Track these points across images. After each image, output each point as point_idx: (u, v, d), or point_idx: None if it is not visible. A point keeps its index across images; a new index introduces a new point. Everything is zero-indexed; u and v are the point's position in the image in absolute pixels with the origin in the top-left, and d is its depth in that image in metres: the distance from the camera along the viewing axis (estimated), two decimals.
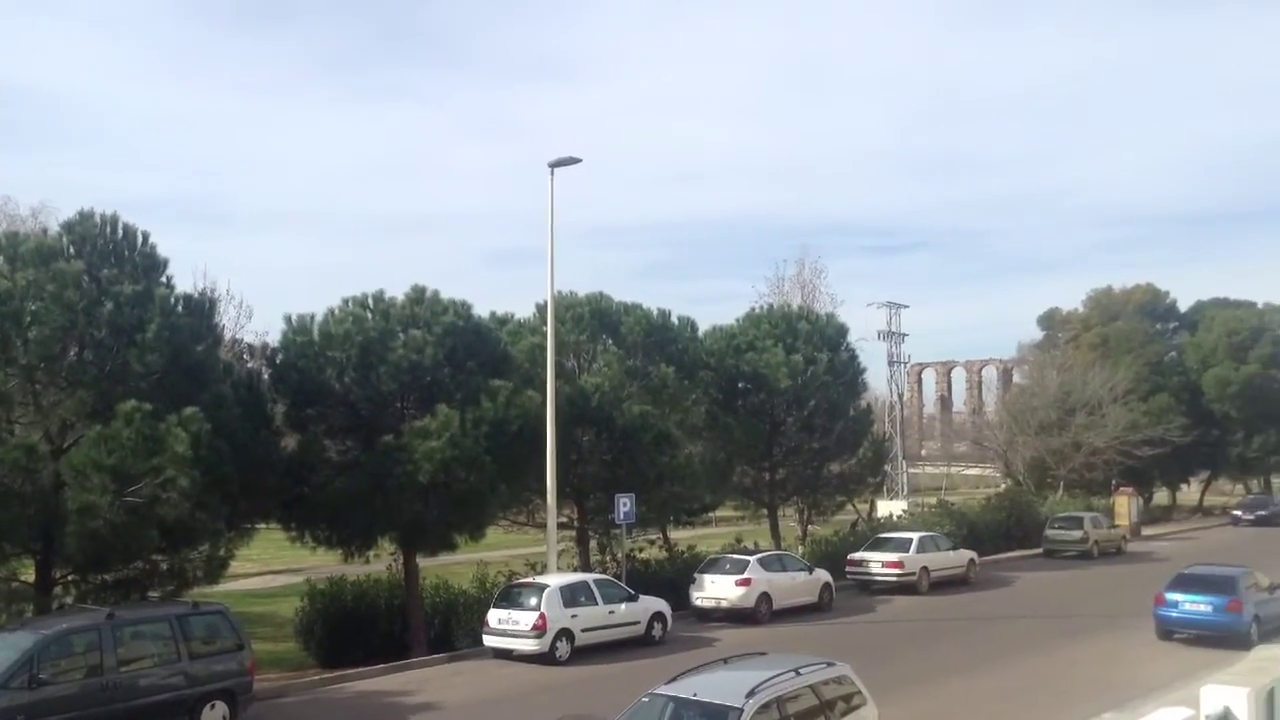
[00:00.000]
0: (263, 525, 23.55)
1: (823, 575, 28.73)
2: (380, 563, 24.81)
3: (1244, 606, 22.20)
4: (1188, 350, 62.46)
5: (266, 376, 23.40)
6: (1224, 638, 21.95)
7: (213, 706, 16.23)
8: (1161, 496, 64.43)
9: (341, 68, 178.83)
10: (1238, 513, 56.34)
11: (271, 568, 37.74)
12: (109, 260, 18.83)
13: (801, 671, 12.00)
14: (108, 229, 19.04)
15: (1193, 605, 22.59)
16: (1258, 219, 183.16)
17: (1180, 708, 10.55)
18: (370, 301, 23.33)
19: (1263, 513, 55.09)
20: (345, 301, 23.31)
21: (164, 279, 19.49)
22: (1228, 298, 66.77)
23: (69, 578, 18.95)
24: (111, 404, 17.43)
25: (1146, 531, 49.56)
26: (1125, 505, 48.72)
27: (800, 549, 33.86)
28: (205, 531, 18.80)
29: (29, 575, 18.66)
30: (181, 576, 19.55)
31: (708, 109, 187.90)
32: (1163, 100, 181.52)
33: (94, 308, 17.86)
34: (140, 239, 19.41)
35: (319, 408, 22.88)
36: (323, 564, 28.72)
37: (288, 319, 23.10)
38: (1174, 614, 22.88)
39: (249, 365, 23.68)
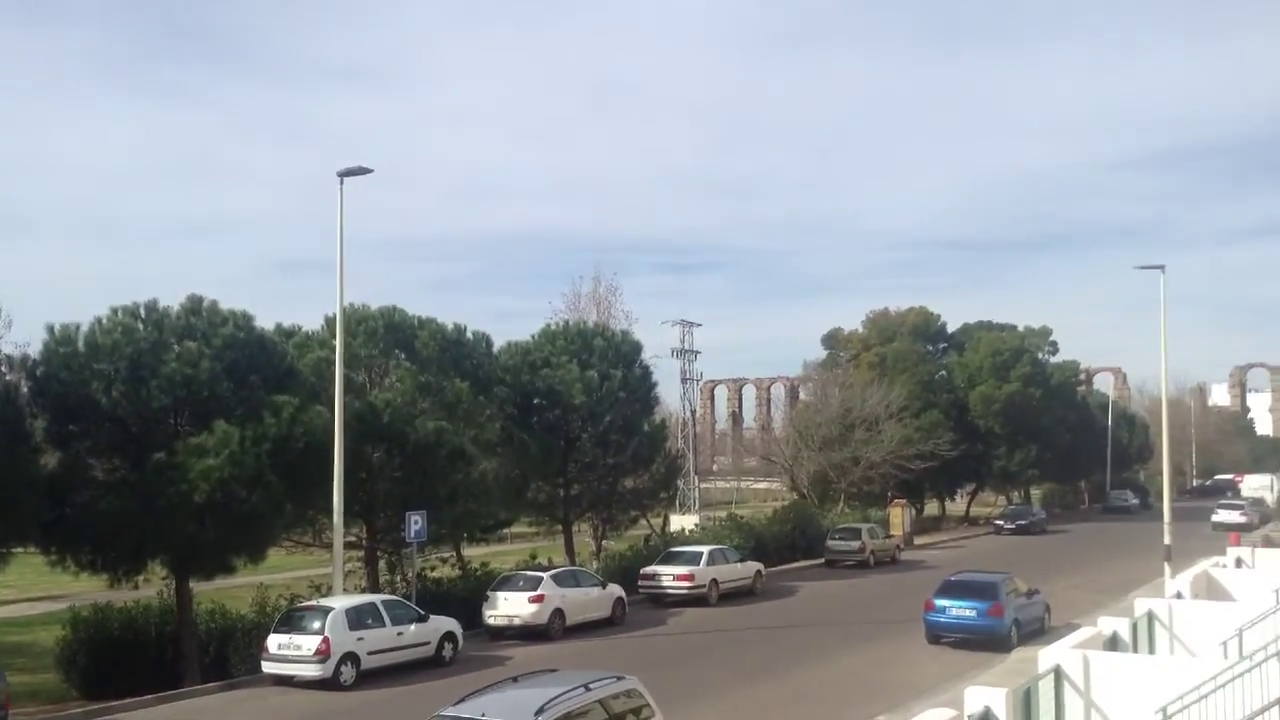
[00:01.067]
0: (20, 549, 21.92)
1: (616, 590, 28.97)
2: (151, 588, 23.49)
3: (1005, 611, 23.73)
4: (956, 370, 66.45)
5: (25, 390, 21.83)
6: (987, 640, 23.41)
7: None
8: (932, 507, 68.11)
9: (122, 67, 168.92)
10: (1000, 522, 60.21)
11: (30, 595, 35.31)
12: None
13: (591, 687, 12.04)
14: None
15: (959, 610, 23.96)
16: (1015, 248, 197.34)
17: (945, 709, 11.14)
18: (142, 311, 22.14)
19: (1022, 522, 59.10)
20: (115, 311, 22.04)
21: None
22: (992, 320, 71.42)
23: None
24: None
25: (918, 541, 52.31)
26: (899, 516, 51.26)
27: (594, 564, 34.06)
28: None
29: None
30: None
31: (504, 123, 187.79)
32: (931, 134, 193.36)
33: None
34: None
35: (84, 423, 21.58)
36: (87, 590, 26.92)
37: (50, 329, 21.70)
38: (942, 619, 24.21)
39: (6, 378, 21.99)
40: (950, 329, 70.93)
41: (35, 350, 22.84)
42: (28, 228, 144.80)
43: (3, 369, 26.12)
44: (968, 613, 23.79)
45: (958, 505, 71.95)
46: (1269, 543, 37.05)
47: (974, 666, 21.02)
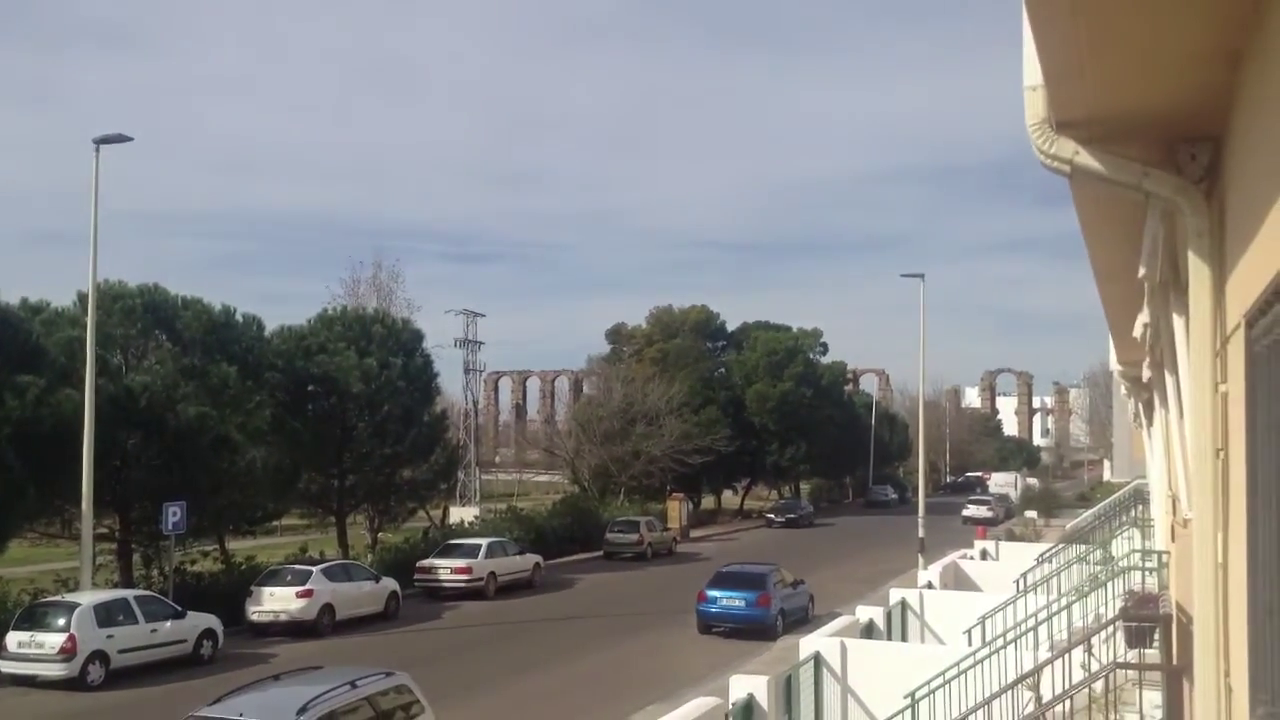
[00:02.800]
0: None
1: (390, 584, 28.32)
2: None
3: (772, 601, 24.62)
4: (734, 367, 68.46)
5: None
6: (755, 629, 24.22)
7: None
8: (709, 501, 69.90)
9: None
10: (771, 516, 62.41)
11: None
12: None
13: (358, 684, 11.72)
14: None
15: (729, 601, 24.70)
16: (789, 251, 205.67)
17: (711, 697, 11.41)
18: None
19: (792, 515, 61.47)
20: None
21: None
22: (768, 321, 73.85)
23: None
24: None
25: (695, 533, 53.52)
26: (677, 509, 52.30)
27: (369, 557, 33.22)
28: None
29: None
30: None
31: (278, 98, 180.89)
32: (708, 138, 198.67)
33: None
34: None
35: None
36: None
37: None
38: (713, 609, 24.88)
39: None
40: (730, 328, 72.96)
41: None
42: None
43: None
44: (737, 603, 24.54)
45: (733, 499, 74.14)
46: (1012, 536, 39.91)
47: (742, 655, 21.69)
